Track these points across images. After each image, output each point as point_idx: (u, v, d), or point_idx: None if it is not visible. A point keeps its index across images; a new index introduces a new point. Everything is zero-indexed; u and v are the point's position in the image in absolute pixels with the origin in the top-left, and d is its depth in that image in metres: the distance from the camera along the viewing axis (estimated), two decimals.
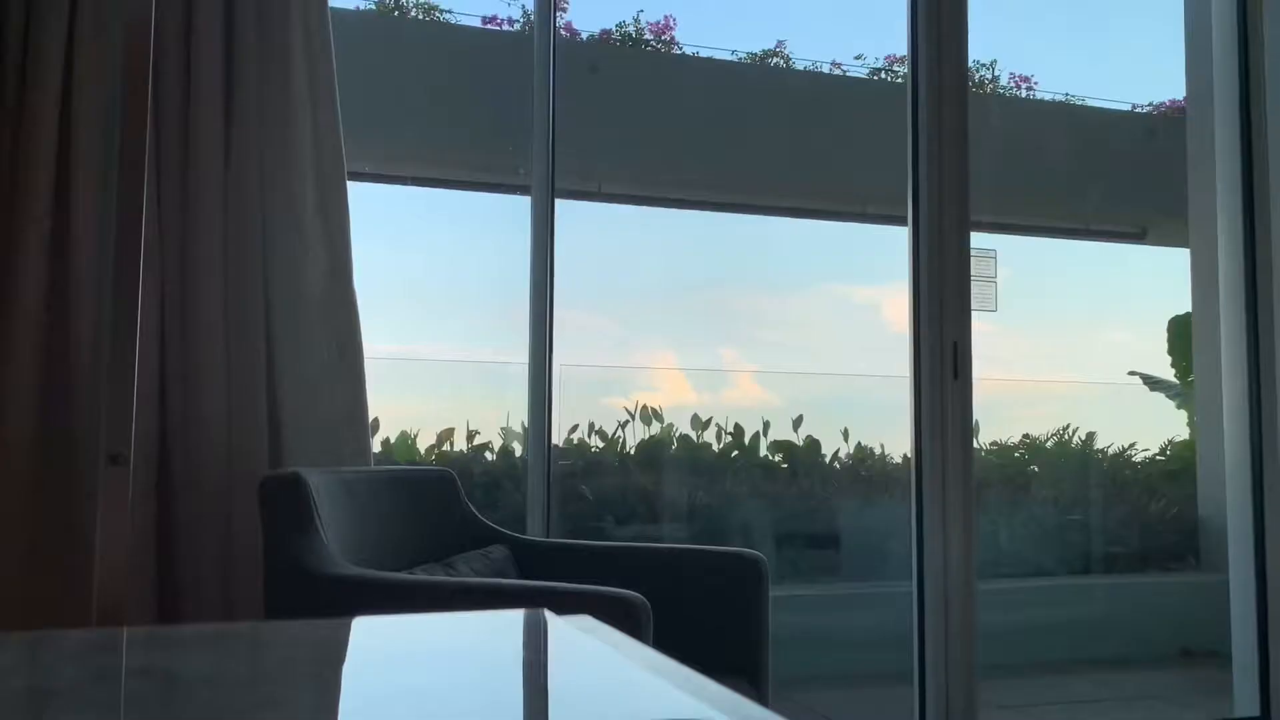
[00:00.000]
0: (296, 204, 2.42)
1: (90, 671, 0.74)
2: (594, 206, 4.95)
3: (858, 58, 5.35)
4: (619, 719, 0.67)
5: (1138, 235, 6.02)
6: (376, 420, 3.37)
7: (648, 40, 5.13)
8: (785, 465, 4.92)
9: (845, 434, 4.94)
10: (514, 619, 0.95)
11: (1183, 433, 5.36)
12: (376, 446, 2.86)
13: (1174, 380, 5.36)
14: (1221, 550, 3.50)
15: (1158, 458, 5.35)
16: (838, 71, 5.48)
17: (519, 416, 3.93)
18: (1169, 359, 5.32)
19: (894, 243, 3.33)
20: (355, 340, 2.47)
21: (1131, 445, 5.30)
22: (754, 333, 5.07)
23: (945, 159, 2.89)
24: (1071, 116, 5.69)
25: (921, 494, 2.85)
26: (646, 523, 4.39)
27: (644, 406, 4.67)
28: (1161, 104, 5.74)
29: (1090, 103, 5.68)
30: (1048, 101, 5.66)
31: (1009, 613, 4.41)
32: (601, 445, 4.54)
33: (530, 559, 2.28)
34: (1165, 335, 5.31)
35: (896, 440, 4.64)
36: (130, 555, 2.11)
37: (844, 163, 5.40)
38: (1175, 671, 4.52)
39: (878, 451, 4.99)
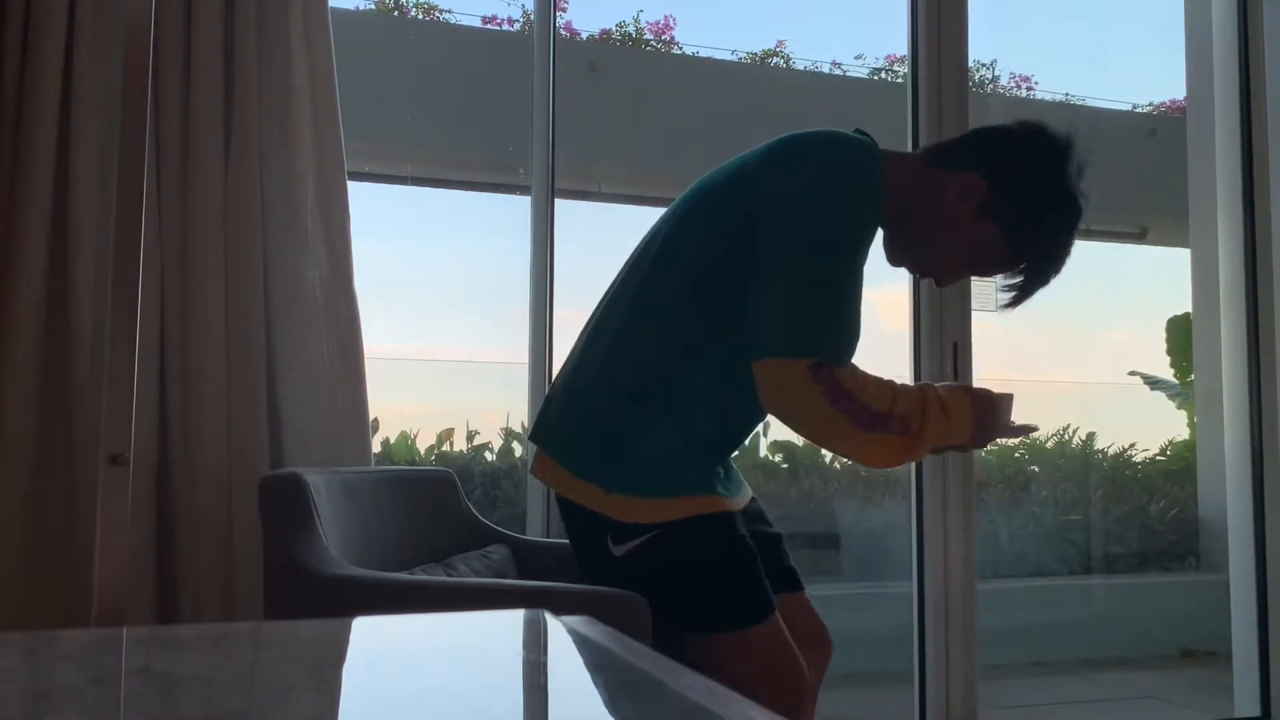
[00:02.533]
0: (296, 204, 2.42)
1: (90, 671, 0.74)
2: (594, 206, 4.95)
3: (858, 58, 5.36)
4: None
5: (1138, 235, 6.02)
6: (376, 420, 3.37)
7: (648, 40, 5.13)
8: (785, 465, 4.92)
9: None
10: (514, 619, 0.95)
11: (1183, 433, 5.36)
12: (376, 446, 2.86)
13: (1174, 380, 5.36)
14: (1221, 550, 3.50)
15: (1158, 458, 5.35)
16: (838, 71, 5.49)
17: (519, 416, 3.93)
18: (1169, 359, 5.32)
19: None
20: (355, 340, 2.46)
21: (1131, 445, 5.30)
22: None
23: None
24: (1071, 116, 5.68)
25: (921, 494, 2.85)
26: None
27: None
28: (1161, 104, 5.75)
29: (1090, 103, 5.68)
30: (1048, 101, 5.66)
31: (1009, 613, 4.40)
32: None
33: (530, 559, 2.28)
34: (1165, 335, 5.31)
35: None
36: (130, 555, 2.10)
37: None
38: (1175, 671, 4.52)
39: None
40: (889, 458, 1.63)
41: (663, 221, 1.81)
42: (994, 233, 1.71)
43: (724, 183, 1.72)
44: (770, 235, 1.61)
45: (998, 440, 1.75)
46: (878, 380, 1.62)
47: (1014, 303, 1.80)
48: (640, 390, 1.69)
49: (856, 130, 1.77)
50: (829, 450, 1.70)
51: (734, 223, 1.65)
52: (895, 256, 1.80)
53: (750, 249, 1.62)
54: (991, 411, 1.69)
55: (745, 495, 1.91)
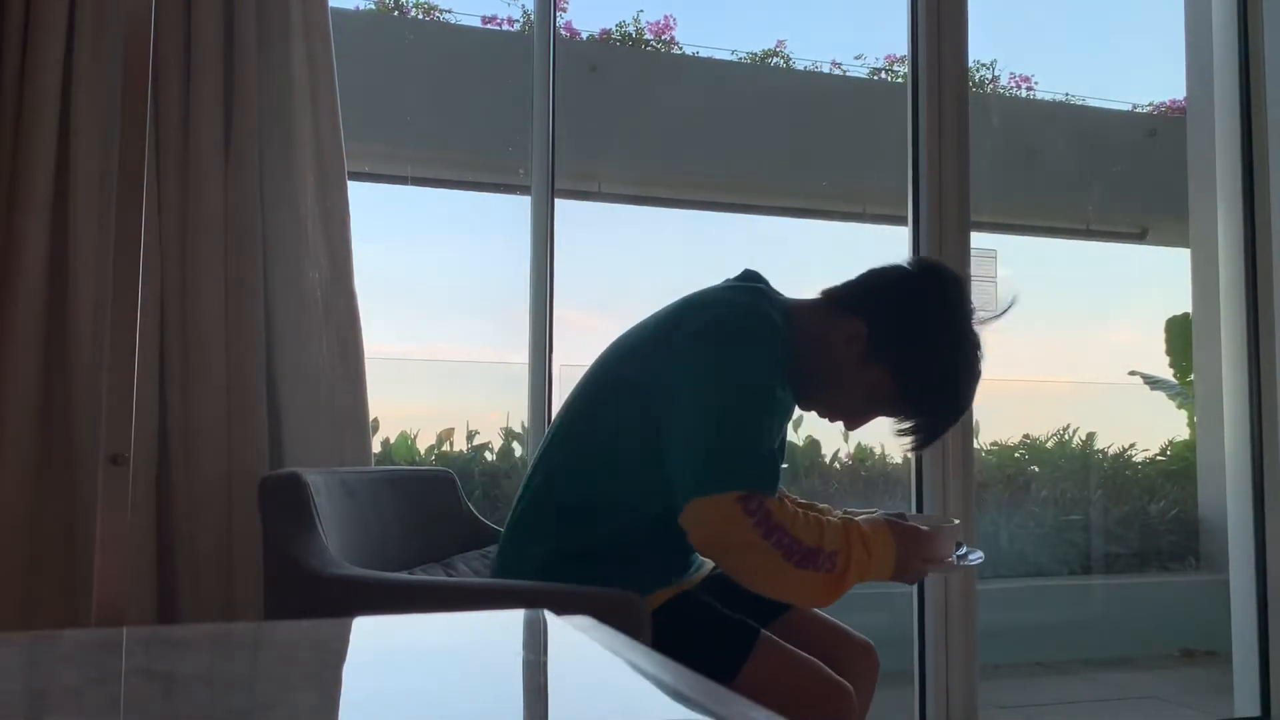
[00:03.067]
0: (296, 204, 2.42)
1: (90, 671, 0.74)
2: (594, 206, 4.95)
3: (858, 58, 5.36)
4: None
5: (1138, 235, 6.02)
6: (376, 420, 3.37)
7: (648, 40, 5.13)
8: (785, 465, 4.91)
9: (845, 434, 4.94)
10: (514, 619, 0.95)
11: (1183, 433, 5.36)
12: (376, 446, 2.86)
13: (1174, 380, 5.36)
14: (1221, 550, 3.50)
15: (1158, 458, 5.35)
16: (838, 71, 5.49)
17: (519, 416, 3.93)
18: (1169, 359, 5.32)
19: (894, 243, 3.33)
20: (355, 340, 2.46)
21: (1131, 445, 5.30)
22: None
23: (945, 159, 2.89)
24: (1071, 116, 5.69)
25: (921, 494, 2.85)
26: None
27: None
28: (1161, 104, 5.75)
29: (1090, 103, 5.68)
30: (1048, 101, 5.66)
31: (1009, 613, 4.40)
32: None
33: None
34: (1165, 335, 5.32)
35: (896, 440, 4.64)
36: (130, 555, 2.10)
37: (844, 163, 5.40)
38: (1175, 671, 4.52)
39: (878, 451, 4.99)
40: (815, 596, 1.60)
41: (588, 376, 1.85)
42: (884, 376, 1.72)
43: (642, 341, 1.78)
44: (683, 386, 1.64)
45: (928, 573, 1.72)
46: (805, 514, 1.61)
47: (917, 446, 1.78)
48: (569, 542, 1.73)
49: (748, 272, 1.84)
50: (757, 590, 1.65)
51: (647, 380, 1.70)
52: (804, 402, 1.82)
53: (662, 403, 1.66)
54: (915, 548, 1.66)
55: (701, 572, 1.90)
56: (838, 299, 1.78)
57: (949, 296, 1.74)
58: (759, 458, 1.60)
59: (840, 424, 1.84)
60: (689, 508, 1.57)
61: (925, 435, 1.77)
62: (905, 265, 1.77)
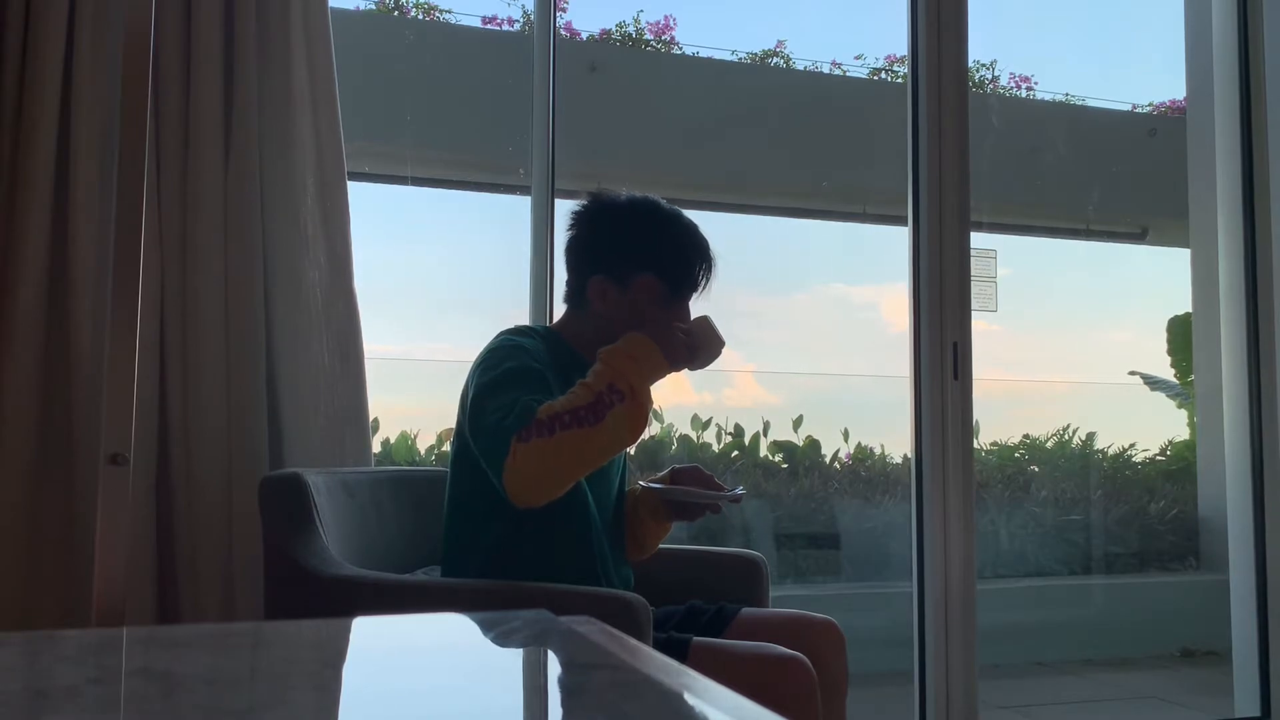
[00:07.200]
0: (296, 204, 2.42)
1: (90, 671, 0.74)
2: None
3: (858, 58, 5.36)
4: None
5: (1138, 235, 6.02)
6: (376, 420, 3.37)
7: (648, 40, 5.13)
8: (785, 465, 4.92)
9: (845, 434, 4.94)
10: (514, 619, 0.95)
11: (1183, 433, 5.36)
12: (376, 446, 2.86)
13: (1174, 380, 5.35)
14: (1221, 550, 3.50)
15: (1158, 458, 5.35)
16: (838, 71, 5.49)
17: None
18: (1169, 359, 5.32)
19: (894, 243, 3.33)
20: (355, 340, 2.46)
21: (1131, 445, 5.30)
22: (754, 333, 5.07)
23: (945, 159, 2.89)
24: (1071, 116, 5.69)
25: (921, 494, 2.85)
26: None
27: None
28: (1161, 104, 5.75)
29: (1090, 103, 5.68)
30: (1048, 101, 5.66)
31: (1009, 613, 4.41)
32: None
33: None
34: (1165, 335, 5.31)
35: (896, 440, 4.64)
36: (130, 555, 2.10)
37: (844, 162, 5.40)
38: (1175, 671, 4.52)
39: (878, 451, 4.99)
40: (632, 427, 1.70)
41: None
42: (644, 280, 1.88)
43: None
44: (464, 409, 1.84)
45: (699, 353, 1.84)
46: (570, 389, 1.70)
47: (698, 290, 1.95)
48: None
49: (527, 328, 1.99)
50: (597, 465, 1.75)
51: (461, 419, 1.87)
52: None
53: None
54: (669, 330, 1.80)
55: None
56: (569, 292, 1.96)
57: (609, 201, 1.94)
58: (511, 404, 1.68)
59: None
60: (504, 485, 1.66)
61: (705, 279, 1.93)
62: (570, 220, 1.96)
